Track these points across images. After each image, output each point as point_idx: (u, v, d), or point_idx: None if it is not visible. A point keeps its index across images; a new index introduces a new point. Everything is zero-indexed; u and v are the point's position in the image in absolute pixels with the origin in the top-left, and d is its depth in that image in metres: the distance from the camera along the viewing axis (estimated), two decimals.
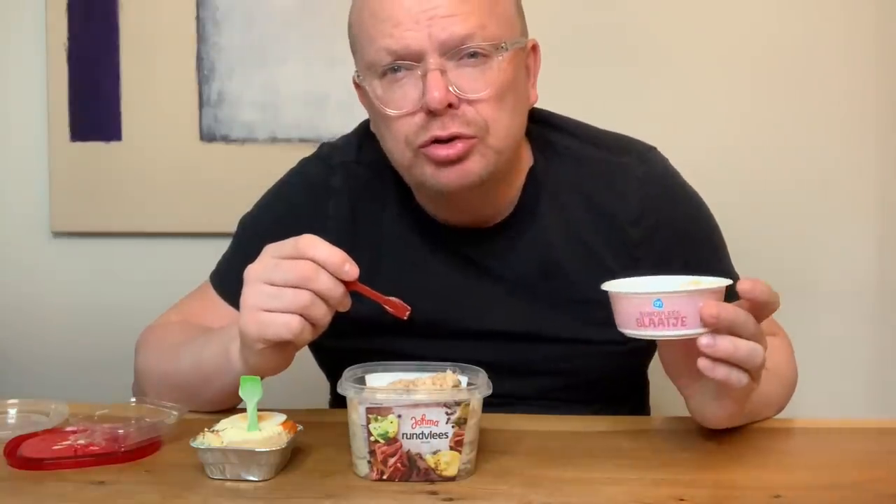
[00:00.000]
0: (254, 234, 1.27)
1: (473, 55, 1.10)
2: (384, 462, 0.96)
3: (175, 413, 1.08)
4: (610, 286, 0.99)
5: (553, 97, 1.29)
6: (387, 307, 1.05)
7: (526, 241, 1.22)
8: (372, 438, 0.95)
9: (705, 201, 1.28)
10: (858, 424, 1.23)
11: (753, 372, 0.96)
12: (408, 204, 1.24)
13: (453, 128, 1.10)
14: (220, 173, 1.92)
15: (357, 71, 1.17)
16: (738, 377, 0.95)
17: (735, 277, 1.25)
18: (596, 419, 1.17)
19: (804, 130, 1.90)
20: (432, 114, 1.09)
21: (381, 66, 1.11)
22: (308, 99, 1.91)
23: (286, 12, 1.90)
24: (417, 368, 1.03)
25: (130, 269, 1.98)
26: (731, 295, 1.15)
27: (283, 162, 1.36)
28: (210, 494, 0.94)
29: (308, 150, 1.35)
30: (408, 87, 1.10)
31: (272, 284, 0.99)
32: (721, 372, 0.94)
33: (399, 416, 0.94)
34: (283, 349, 1.03)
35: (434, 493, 0.94)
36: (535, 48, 1.20)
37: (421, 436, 0.95)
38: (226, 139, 1.93)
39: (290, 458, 1.01)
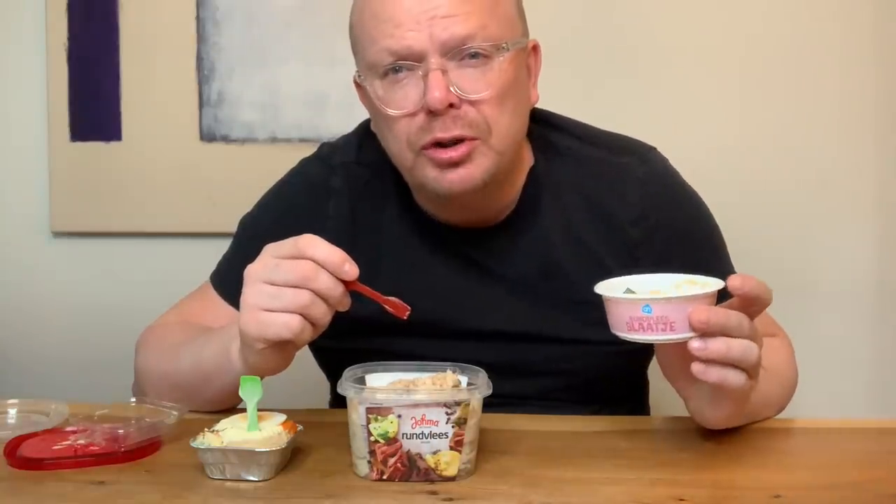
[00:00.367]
0: (254, 235, 1.27)
1: (474, 55, 1.10)
2: (384, 462, 0.96)
3: (175, 413, 1.08)
4: (602, 287, 0.99)
5: (553, 97, 1.29)
6: (386, 307, 1.05)
7: (526, 242, 1.22)
8: (372, 438, 0.95)
9: (705, 201, 1.29)
10: (858, 424, 1.23)
11: (750, 370, 0.95)
12: (408, 204, 1.24)
13: (455, 129, 1.10)
14: (220, 173, 1.92)
15: (358, 71, 1.17)
16: (736, 377, 0.94)
17: (731, 270, 1.26)
18: (595, 419, 1.17)
19: (803, 131, 1.90)
20: (433, 114, 1.09)
21: (382, 67, 1.11)
22: (308, 99, 1.91)
23: (286, 12, 1.90)
24: (417, 368, 1.03)
25: (130, 269, 1.98)
26: (729, 295, 1.17)
27: (283, 162, 1.36)
28: (210, 494, 0.94)
29: (308, 150, 1.35)
30: (409, 87, 1.10)
31: (272, 284, 0.99)
32: (714, 374, 0.94)
33: (399, 416, 0.94)
34: (283, 349, 1.03)
35: (434, 493, 0.94)
36: (535, 48, 1.20)
37: (421, 436, 0.95)
38: (226, 139, 1.93)
39: (290, 458, 1.01)
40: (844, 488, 0.97)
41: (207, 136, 1.93)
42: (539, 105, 1.23)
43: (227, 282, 1.27)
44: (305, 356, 1.32)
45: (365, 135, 1.26)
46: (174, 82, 1.92)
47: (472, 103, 1.10)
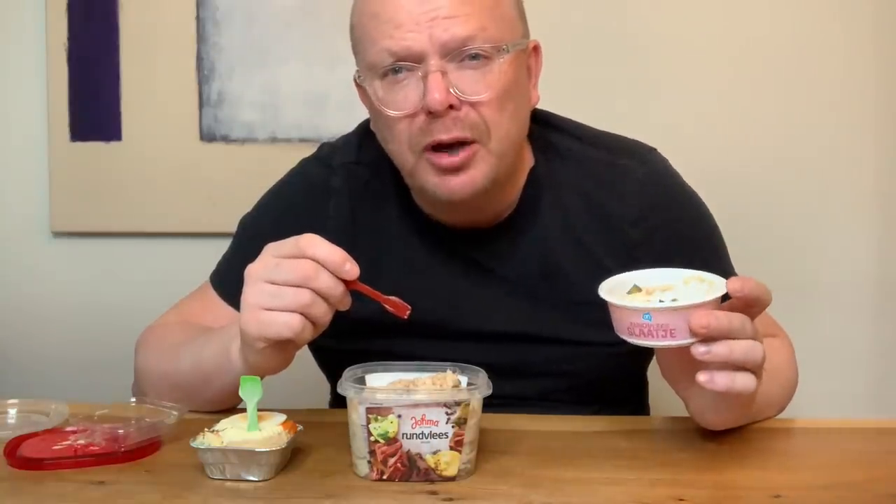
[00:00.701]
0: (254, 235, 1.27)
1: (474, 57, 1.10)
2: (384, 462, 0.96)
3: (175, 413, 1.08)
4: (607, 286, 0.99)
5: (554, 98, 1.29)
6: (387, 306, 1.05)
7: (526, 242, 1.22)
8: (372, 438, 0.95)
9: (705, 201, 1.28)
10: (858, 424, 1.23)
11: (756, 370, 0.95)
12: (408, 204, 1.24)
13: (455, 130, 1.10)
14: (220, 173, 1.92)
15: (358, 71, 1.17)
16: (744, 380, 0.94)
17: (733, 273, 1.25)
18: (595, 419, 1.17)
19: (804, 131, 1.90)
20: (433, 115, 1.09)
21: (382, 68, 1.11)
22: (308, 99, 1.91)
23: (286, 12, 1.90)
24: (417, 368, 1.03)
25: (130, 269, 1.98)
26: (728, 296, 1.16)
27: (283, 162, 1.36)
28: (210, 494, 0.94)
29: (308, 150, 1.35)
30: (409, 88, 1.10)
31: (273, 283, 0.99)
32: (721, 383, 0.93)
33: (399, 416, 0.94)
34: (283, 348, 1.03)
35: (434, 493, 0.94)
36: (536, 49, 1.20)
37: (421, 436, 0.95)
38: (226, 139, 1.93)
39: (290, 458, 1.01)
40: (844, 488, 0.97)
41: (207, 136, 1.93)
42: (540, 105, 1.23)
43: (227, 282, 1.26)
44: (305, 356, 1.32)
45: (365, 135, 1.26)
46: (174, 82, 1.92)
47: (472, 105, 1.10)
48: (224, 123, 1.93)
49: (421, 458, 0.96)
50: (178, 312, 1.31)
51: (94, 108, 1.93)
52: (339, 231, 1.22)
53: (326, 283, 0.99)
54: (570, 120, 1.29)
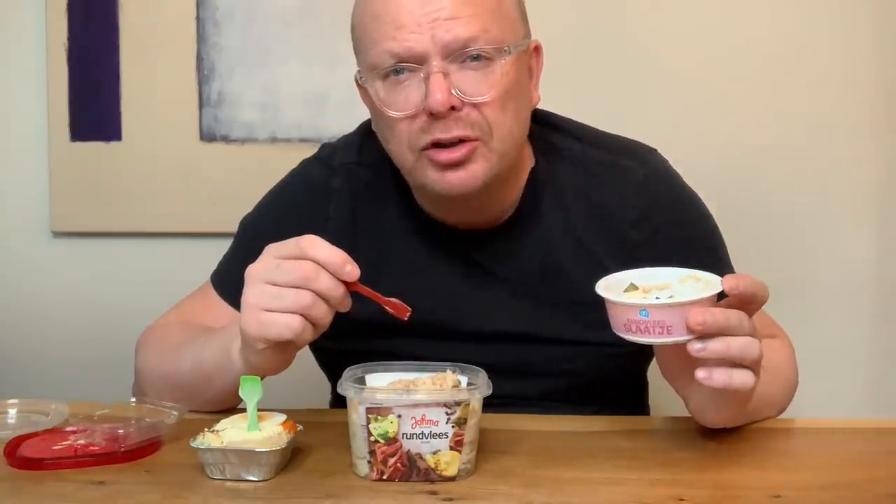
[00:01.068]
0: (254, 235, 1.27)
1: (476, 58, 1.10)
2: (384, 462, 0.96)
3: (175, 413, 1.08)
4: (604, 284, 0.99)
5: (555, 98, 1.29)
6: (387, 308, 1.05)
7: (527, 243, 1.22)
8: (372, 438, 0.95)
9: (705, 202, 1.29)
10: (858, 424, 1.23)
11: (753, 366, 0.95)
12: (409, 205, 1.24)
13: (456, 130, 1.10)
14: (220, 173, 1.92)
15: (359, 71, 1.17)
16: (741, 377, 0.94)
17: (731, 272, 1.25)
18: (595, 419, 1.17)
19: (803, 131, 1.90)
20: (434, 116, 1.09)
21: (384, 69, 1.11)
22: (308, 99, 1.91)
23: (286, 12, 1.90)
24: (417, 368, 1.03)
25: (130, 269, 1.98)
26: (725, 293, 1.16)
27: (283, 162, 1.36)
28: (210, 494, 0.94)
29: (308, 150, 1.35)
30: (410, 89, 1.10)
31: (274, 284, 1.00)
32: (719, 379, 0.94)
33: (399, 416, 0.95)
34: (283, 349, 1.03)
35: (434, 493, 0.94)
36: (537, 50, 1.20)
37: (421, 436, 0.95)
38: (226, 139, 1.93)
39: (290, 458, 1.01)
40: (844, 488, 0.97)
41: (207, 136, 1.93)
42: (541, 105, 1.23)
43: (228, 282, 1.27)
44: (306, 356, 1.32)
45: (366, 135, 1.26)
46: (174, 82, 1.92)
47: (474, 105, 1.10)
48: (224, 123, 1.93)
49: (421, 458, 0.96)
50: (179, 312, 1.31)
51: (94, 108, 1.93)
52: (340, 231, 1.22)
53: (326, 284, 0.99)
54: (570, 120, 1.29)
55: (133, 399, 1.14)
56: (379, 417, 0.95)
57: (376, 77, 1.12)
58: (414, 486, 0.95)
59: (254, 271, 1.02)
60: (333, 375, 1.32)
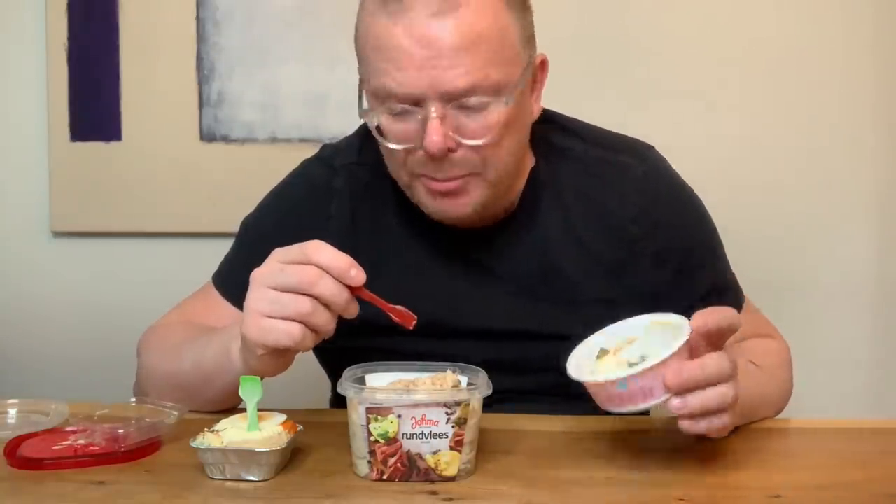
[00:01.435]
0: (256, 236, 1.27)
1: (475, 101, 1.09)
2: (384, 462, 0.96)
3: (175, 413, 1.08)
4: (575, 361, 0.99)
5: (554, 97, 1.29)
6: (392, 316, 1.04)
7: (526, 241, 1.22)
8: (372, 438, 0.95)
9: (705, 202, 1.29)
10: (858, 424, 1.23)
11: (730, 409, 0.96)
12: (408, 204, 1.24)
13: (451, 171, 1.11)
14: (220, 173, 1.92)
15: (360, 72, 1.16)
16: (720, 422, 0.95)
17: (730, 273, 1.28)
18: (596, 419, 1.17)
19: (803, 131, 1.90)
20: (430, 156, 1.09)
21: (383, 99, 1.10)
22: (308, 99, 1.91)
23: (286, 12, 1.90)
24: (417, 369, 1.03)
25: (130, 269, 1.98)
26: (726, 291, 1.21)
27: (283, 162, 1.36)
28: (210, 494, 0.94)
29: (308, 150, 1.35)
30: (408, 124, 1.10)
31: (276, 289, 0.99)
32: (701, 427, 0.95)
33: (399, 416, 0.95)
34: (283, 354, 1.03)
35: (434, 493, 0.94)
36: (543, 64, 1.19)
37: (421, 436, 0.95)
38: (226, 139, 1.93)
39: (290, 458, 1.01)
40: (844, 488, 0.97)
41: (207, 136, 1.93)
42: (541, 105, 1.23)
43: (229, 282, 1.27)
44: (306, 356, 1.32)
45: (366, 136, 1.26)
46: (174, 82, 1.92)
47: (471, 146, 1.10)
48: (224, 123, 1.93)
49: (421, 458, 0.96)
50: (181, 312, 1.31)
51: (94, 108, 1.93)
52: (341, 232, 1.23)
53: (329, 289, 0.98)
54: (568, 117, 1.29)
55: (133, 399, 1.14)
56: (379, 417, 0.95)
57: (376, 101, 1.12)
58: (414, 486, 0.95)
59: (258, 275, 1.01)
60: (334, 373, 1.32)
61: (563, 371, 1.22)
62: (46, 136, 1.94)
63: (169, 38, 1.91)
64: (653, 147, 1.28)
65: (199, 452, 0.97)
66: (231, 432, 0.99)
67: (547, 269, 1.22)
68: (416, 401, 0.95)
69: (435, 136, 1.07)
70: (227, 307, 1.25)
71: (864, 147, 1.91)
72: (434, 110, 1.07)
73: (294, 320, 0.98)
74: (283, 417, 1.03)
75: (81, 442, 1.04)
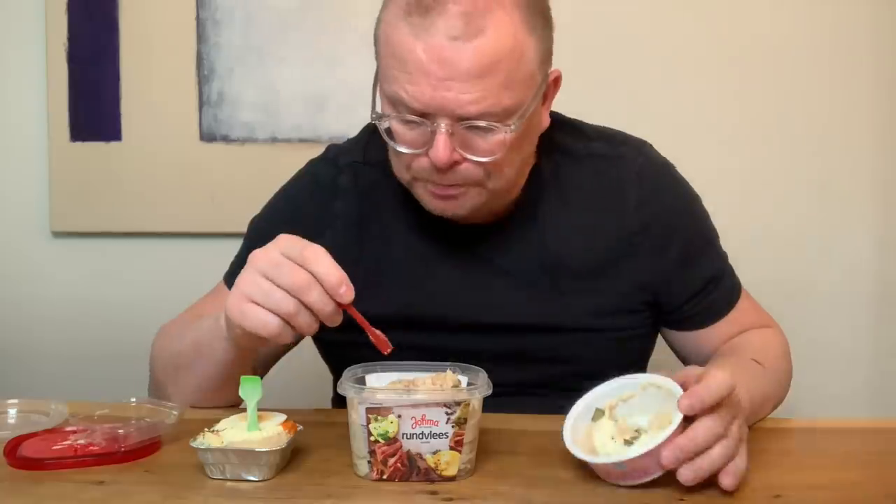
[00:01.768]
0: (263, 235, 1.28)
1: (484, 124, 1.09)
2: (384, 462, 0.96)
3: (175, 413, 1.09)
4: (569, 432, 0.98)
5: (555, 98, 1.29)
6: (371, 337, 1.03)
7: (527, 236, 1.24)
8: (372, 438, 0.95)
9: (705, 202, 1.31)
10: (858, 424, 1.23)
11: (739, 453, 0.95)
12: (413, 202, 1.24)
13: (456, 180, 1.12)
14: (220, 173, 1.92)
15: (376, 70, 1.16)
16: (737, 465, 0.94)
17: (727, 262, 1.31)
18: None
19: (803, 131, 1.90)
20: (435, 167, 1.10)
21: (395, 103, 1.11)
22: (308, 99, 1.91)
23: (286, 12, 1.90)
24: (417, 368, 1.03)
25: (130, 269, 1.98)
26: (723, 279, 1.25)
27: (283, 162, 1.36)
28: (210, 494, 0.94)
29: (308, 151, 1.36)
30: (418, 133, 1.11)
31: (268, 279, 0.99)
32: (728, 480, 0.94)
33: (399, 416, 0.95)
34: (259, 338, 1.03)
35: (434, 493, 0.94)
36: (556, 80, 1.19)
37: (421, 436, 0.95)
38: (226, 139, 1.93)
39: (290, 458, 1.01)
40: (844, 488, 0.97)
41: (207, 136, 1.93)
42: None
43: None
44: (306, 356, 1.33)
45: (371, 136, 1.28)
46: (174, 82, 1.92)
47: (476, 161, 1.11)
48: (224, 123, 1.93)
49: (421, 458, 0.96)
50: (192, 309, 1.33)
51: (94, 108, 1.93)
52: (347, 229, 1.25)
53: (317, 299, 0.98)
54: (567, 116, 1.30)
55: (133, 399, 1.14)
56: (379, 417, 0.95)
57: (390, 105, 1.12)
58: (414, 486, 0.95)
59: (256, 258, 1.02)
60: (336, 367, 1.33)
61: (564, 362, 1.24)
62: (46, 137, 1.94)
63: (169, 39, 1.91)
64: (645, 141, 1.30)
65: (199, 452, 0.97)
66: (231, 432, 0.99)
67: (549, 262, 1.23)
68: (416, 401, 0.95)
69: (442, 150, 1.08)
70: None
71: (864, 147, 1.90)
72: (443, 126, 1.08)
73: (276, 314, 0.99)
74: (283, 417, 1.03)
75: (81, 442, 1.04)
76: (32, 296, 2.00)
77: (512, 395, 1.16)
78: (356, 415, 0.96)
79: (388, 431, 0.95)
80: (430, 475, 0.96)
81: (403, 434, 0.95)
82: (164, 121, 1.92)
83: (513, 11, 1.07)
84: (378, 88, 1.15)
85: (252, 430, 0.99)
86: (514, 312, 1.23)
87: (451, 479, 0.96)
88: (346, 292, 0.99)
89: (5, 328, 1.99)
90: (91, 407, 1.12)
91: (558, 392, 1.23)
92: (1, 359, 1.98)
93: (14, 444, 1.04)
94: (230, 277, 1.32)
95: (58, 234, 1.99)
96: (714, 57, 1.89)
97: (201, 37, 1.91)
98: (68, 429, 1.08)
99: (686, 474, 0.92)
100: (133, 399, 1.14)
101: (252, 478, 0.97)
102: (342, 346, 1.14)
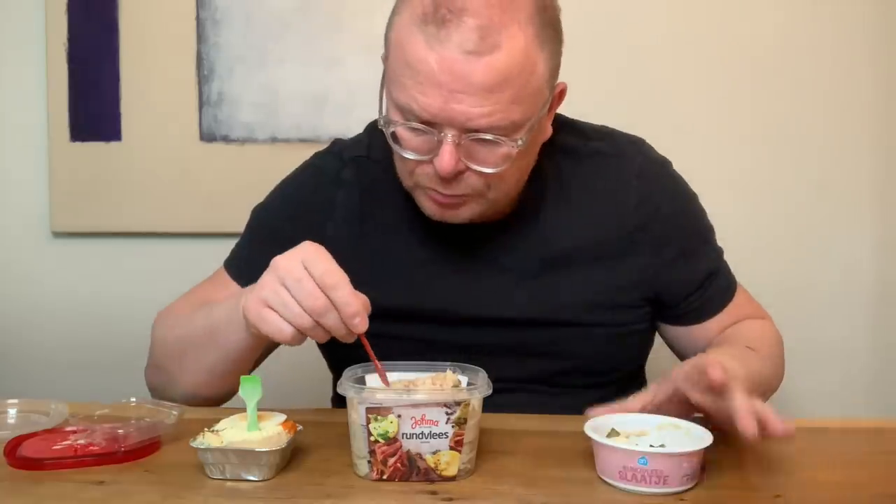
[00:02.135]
0: (265, 222, 1.32)
1: (491, 137, 1.10)
2: (384, 462, 0.96)
3: (175, 413, 1.09)
4: (590, 429, 0.98)
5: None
6: (376, 366, 1.03)
7: (529, 234, 1.25)
8: (372, 438, 0.95)
9: (704, 201, 1.32)
10: (858, 424, 1.23)
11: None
12: (414, 200, 1.25)
13: (458, 190, 1.13)
14: (220, 173, 1.92)
15: (385, 74, 1.16)
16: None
17: (722, 258, 1.32)
18: None
19: (803, 131, 1.90)
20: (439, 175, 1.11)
21: (403, 110, 1.11)
22: (307, 99, 1.91)
23: (286, 12, 1.90)
24: (417, 368, 1.03)
25: (130, 269, 1.98)
26: (720, 275, 1.28)
27: (283, 162, 1.36)
28: (210, 494, 0.95)
29: (307, 150, 1.36)
30: (424, 140, 1.11)
31: (288, 292, 1.00)
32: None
33: (399, 416, 0.95)
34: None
35: (434, 493, 0.94)
36: (562, 93, 1.19)
37: (421, 436, 0.95)
38: (226, 139, 1.93)
39: (290, 458, 1.02)
40: (844, 488, 0.97)
41: (207, 136, 1.93)
42: None
43: (239, 265, 1.30)
44: (306, 356, 1.33)
45: (375, 133, 1.28)
46: (174, 82, 1.92)
47: (479, 172, 1.12)
48: (224, 123, 1.93)
49: (421, 457, 0.96)
50: (192, 294, 1.33)
51: (94, 108, 1.93)
52: (347, 220, 1.26)
53: (332, 324, 1.00)
54: (566, 116, 1.31)
55: (133, 399, 1.14)
56: (379, 417, 0.95)
57: (396, 111, 1.12)
58: (414, 486, 0.95)
59: (278, 266, 1.02)
60: (336, 367, 1.34)
61: (564, 357, 1.25)
62: (46, 137, 1.94)
63: (169, 39, 1.91)
64: (644, 140, 1.31)
65: (199, 452, 0.98)
66: (231, 432, 0.99)
67: (550, 259, 1.24)
68: (416, 401, 0.95)
69: (447, 160, 1.09)
70: (236, 287, 1.27)
71: (863, 148, 1.90)
72: (450, 136, 1.08)
73: (291, 324, 1.01)
74: (283, 417, 1.03)
75: (81, 442, 1.04)
76: (32, 296, 2.00)
77: (512, 392, 1.18)
78: (356, 415, 0.96)
79: (387, 431, 0.95)
80: (429, 475, 0.96)
81: (403, 434, 0.95)
82: (164, 121, 1.92)
83: (527, 26, 1.08)
84: (385, 91, 1.15)
85: (252, 430, 0.99)
86: (514, 307, 1.24)
87: (451, 479, 0.96)
88: (360, 323, 1.00)
89: (5, 328, 1.99)
90: (91, 407, 1.12)
91: (559, 388, 1.25)
92: (1, 359, 1.98)
93: (14, 444, 1.04)
94: (230, 261, 1.33)
95: (58, 234, 1.99)
96: (713, 57, 1.89)
97: (201, 37, 1.91)
98: (68, 429, 1.08)
99: (750, 429, 0.94)
100: (133, 399, 1.14)
101: (252, 478, 0.97)
102: (342, 346, 1.14)
